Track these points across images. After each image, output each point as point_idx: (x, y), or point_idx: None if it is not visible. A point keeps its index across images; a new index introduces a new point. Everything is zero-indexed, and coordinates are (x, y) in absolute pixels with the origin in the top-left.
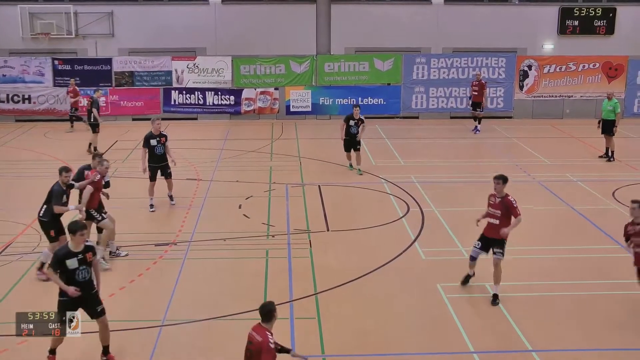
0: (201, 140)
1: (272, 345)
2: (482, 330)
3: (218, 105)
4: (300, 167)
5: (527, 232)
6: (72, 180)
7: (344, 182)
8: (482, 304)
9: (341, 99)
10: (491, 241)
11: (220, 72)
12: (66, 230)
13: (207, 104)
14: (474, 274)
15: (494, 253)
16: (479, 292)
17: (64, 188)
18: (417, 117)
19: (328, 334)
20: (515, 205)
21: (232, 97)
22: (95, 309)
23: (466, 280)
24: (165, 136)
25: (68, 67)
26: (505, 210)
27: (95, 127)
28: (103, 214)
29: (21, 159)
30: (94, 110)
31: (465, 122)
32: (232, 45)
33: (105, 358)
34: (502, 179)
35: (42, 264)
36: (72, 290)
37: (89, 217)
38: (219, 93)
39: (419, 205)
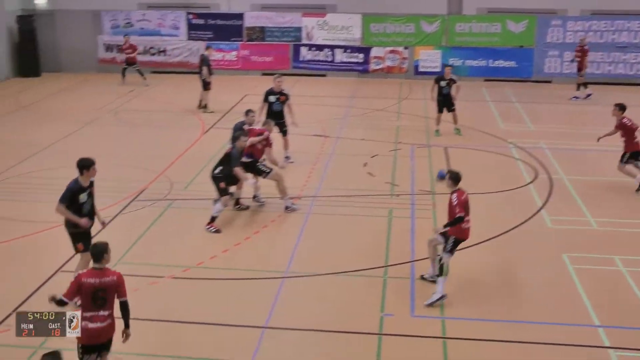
0: (329, 97)
1: None
2: (609, 305)
3: (347, 62)
4: (427, 128)
5: None
6: (234, 135)
7: (470, 144)
8: (610, 278)
9: (471, 61)
10: None
11: (350, 30)
12: (77, 166)
13: (336, 61)
14: None
15: None
16: (606, 264)
17: (241, 151)
18: (550, 82)
19: (448, 296)
20: None
21: (360, 55)
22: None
23: None
24: (286, 95)
25: (201, 22)
26: None
27: (205, 85)
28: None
29: (154, 109)
30: (204, 68)
31: (600, 89)
32: (362, 2)
33: None
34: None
35: (213, 218)
36: (84, 221)
37: (258, 171)
38: (348, 50)
39: (547, 172)
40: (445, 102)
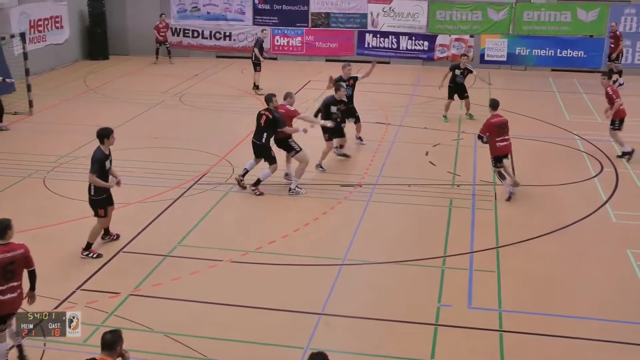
0: (392, 85)
1: None
2: None
3: (411, 50)
4: None
5: None
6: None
7: (535, 135)
8: None
9: (539, 50)
10: None
11: (416, 17)
12: (97, 136)
13: (401, 48)
14: None
15: None
16: None
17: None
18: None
19: (506, 289)
20: None
21: (425, 43)
22: (112, 199)
23: None
24: (355, 77)
25: (267, 7)
26: None
27: (256, 66)
28: (299, 149)
29: (218, 93)
30: (256, 50)
31: None
32: None
33: (108, 236)
34: None
35: (259, 181)
36: (112, 183)
37: (288, 148)
38: (413, 38)
39: (613, 166)
40: (457, 89)
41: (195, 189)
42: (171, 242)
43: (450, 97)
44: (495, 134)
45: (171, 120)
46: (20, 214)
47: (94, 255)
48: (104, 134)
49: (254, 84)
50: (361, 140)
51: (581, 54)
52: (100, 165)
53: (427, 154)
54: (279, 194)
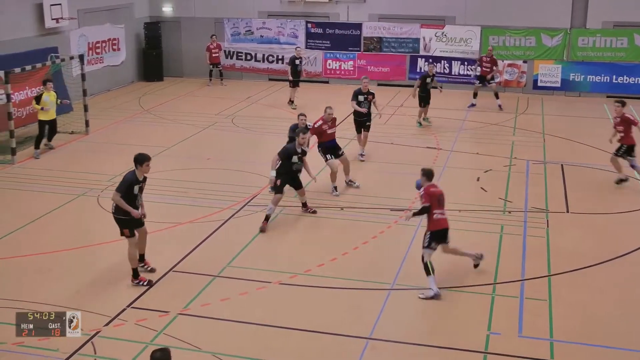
0: (443, 110)
1: None
2: None
3: (463, 75)
4: (544, 144)
5: None
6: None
7: (589, 162)
8: None
9: (593, 76)
10: None
11: (468, 42)
12: (134, 160)
13: (453, 73)
14: None
15: None
16: None
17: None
18: None
19: (558, 318)
20: None
21: (478, 68)
22: (141, 221)
23: None
24: (373, 94)
25: (320, 31)
26: None
27: (291, 83)
28: (329, 155)
29: (270, 115)
30: (289, 68)
31: None
32: (482, 14)
33: (142, 264)
34: None
35: (267, 217)
36: (136, 212)
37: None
38: (465, 63)
39: None
40: (427, 97)
41: (246, 210)
42: (221, 263)
43: (421, 104)
44: (435, 205)
45: (223, 141)
46: (74, 231)
47: (144, 283)
48: (138, 160)
49: (290, 99)
50: (361, 156)
51: (637, 80)
52: (128, 187)
53: (478, 179)
54: (331, 217)
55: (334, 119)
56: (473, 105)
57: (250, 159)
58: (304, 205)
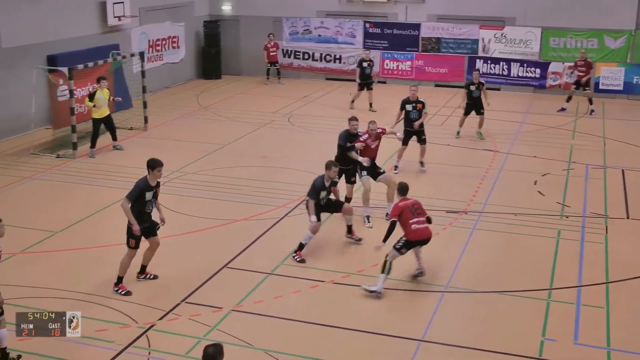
0: (501, 112)
1: None
2: None
3: (522, 77)
4: (604, 149)
5: None
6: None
7: None
8: None
9: None
10: None
11: (528, 44)
12: (146, 166)
13: (512, 75)
14: None
15: None
16: None
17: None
18: None
19: (616, 326)
20: None
21: (537, 70)
22: (154, 230)
23: None
24: (422, 103)
25: (378, 31)
26: None
27: (358, 85)
28: (365, 172)
29: (326, 115)
30: (357, 70)
31: None
32: (543, 16)
33: (142, 275)
34: None
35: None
36: (137, 228)
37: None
38: (525, 65)
39: None
40: (474, 105)
41: (300, 209)
42: (274, 261)
43: (467, 113)
44: (408, 215)
45: (279, 140)
46: None
47: (123, 292)
48: (150, 165)
49: (369, 104)
50: (422, 165)
51: None
52: (139, 193)
53: (535, 183)
54: (385, 217)
55: (379, 134)
56: (563, 109)
57: (305, 157)
58: (349, 230)
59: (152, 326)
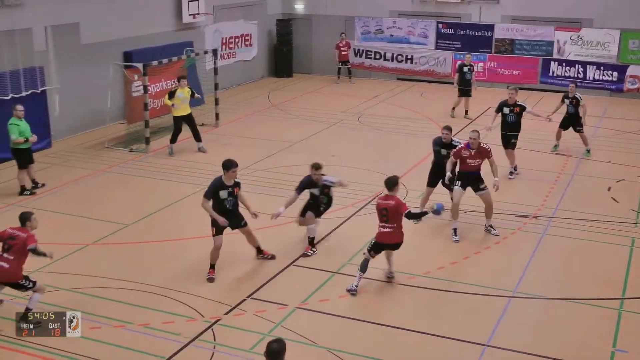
0: None
1: None
2: None
3: (599, 80)
4: None
5: None
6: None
7: None
8: None
9: None
10: None
11: (606, 46)
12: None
13: (587, 78)
14: None
15: None
16: None
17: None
18: None
19: None
20: None
21: (615, 73)
22: (240, 223)
23: None
24: (520, 106)
25: (450, 31)
26: None
27: (459, 92)
28: (459, 183)
29: (397, 115)
30: (456, 75)
31: None
32: (622, 17)
33: (261, 254)
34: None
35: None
36: (222, 220)
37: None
38: (601, 68)
39: None
40: (570, 120)
41: (368, 209)
42: (341, 260)
43: (562, 126)
44: (378, 216)
45: (349, 139)
46: (201, 220)
47: (207, 277)
48: (225, 166)
49: (465, 110)
50: (515, 169)
51: None
52: (214, 192)
53: (609, 189)
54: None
55: (483, 150)
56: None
57: (375, 157)
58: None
59: (217, 320)
